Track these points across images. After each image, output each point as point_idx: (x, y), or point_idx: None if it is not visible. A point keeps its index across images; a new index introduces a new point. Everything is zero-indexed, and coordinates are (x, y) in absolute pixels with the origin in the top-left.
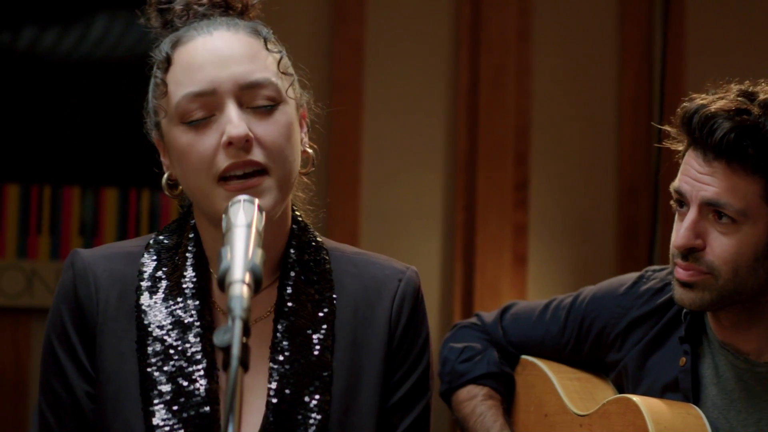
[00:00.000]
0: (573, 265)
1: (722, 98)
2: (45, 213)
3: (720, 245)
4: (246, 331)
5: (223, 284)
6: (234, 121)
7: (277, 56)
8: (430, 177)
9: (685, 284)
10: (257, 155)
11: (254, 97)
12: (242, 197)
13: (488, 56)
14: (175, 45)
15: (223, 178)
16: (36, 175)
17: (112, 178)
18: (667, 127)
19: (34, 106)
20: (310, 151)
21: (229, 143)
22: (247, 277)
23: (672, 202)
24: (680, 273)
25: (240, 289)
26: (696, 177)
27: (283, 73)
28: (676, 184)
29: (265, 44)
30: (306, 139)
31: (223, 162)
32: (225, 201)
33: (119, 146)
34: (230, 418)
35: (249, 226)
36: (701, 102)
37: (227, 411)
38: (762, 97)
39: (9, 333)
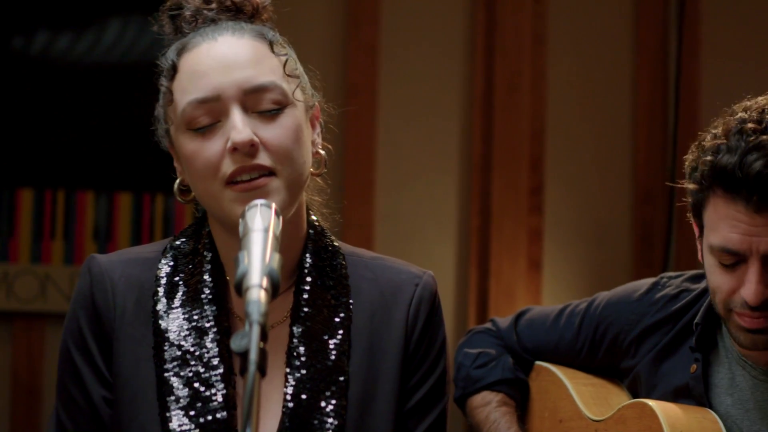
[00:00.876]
0: (588, 269)
1: (747, 142)
2: (59, 218)
3: None
4: (263, 336)
5: (241, 289)
6: (238, 126)
7: (283, 59)
8: (445, 181)
9: (756, 331)
10: (264, 159)
11: (259, 102)
12: (259, 201)
13: (503, 60)
14: (180, 52)
15: (231, 182)
16: (50, 179)
17: (125, 182)
18: (684, 184)
19: (48, 111)
20: (322, 152)
21: (234, 149)
22: (265, 282)
23: (717, 262)
24: (750, 322)
25: (257, 293)
26: (749, 231)
27: (289, 75)
28: (721, 243)
29: (271, 47)
30: (319, 140)
31: (229, 167)
32: (233, 203)
33: (133, 151)
34: (248, 424)
35: (266, 230)
36: (738, 155)
37: (245, 417)
38: None
39: (23, 337)
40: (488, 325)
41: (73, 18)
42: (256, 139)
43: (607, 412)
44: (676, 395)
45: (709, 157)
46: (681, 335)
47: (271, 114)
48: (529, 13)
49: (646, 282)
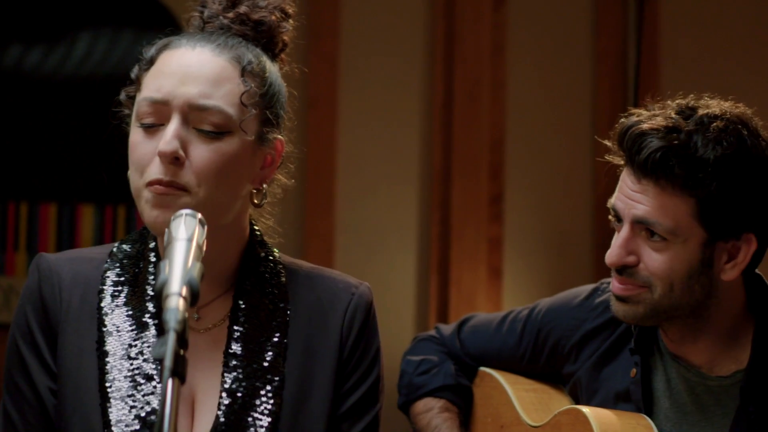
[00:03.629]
0: (549, 277)
1: (657, 115)
2: (22, 230)
3: (653, 261)
4: (183, 343)
5: (161, 296)
6: (167, 137)
7: (246, 88)
8: (405, 191)
9: (620, 298)
10: (185, 176)
11: (201, 121)
12: (185, 211)
13: (463, 70)
14: (161, 49)
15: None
16: (13, 191)
17: (88, 194)
18: (607, 142)
19: (12, 123)
20: (264, 186)
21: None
22: (184, 291)
23: (610, 218)
24: (615, 287)
25: (176, 301)
26: (628, 195)
27: (244, 104)
28: (612, 200)
29: (242, 73)
30: (271, 176)
31: (152, 174)
32: (147, 204)
33: (95, 163)
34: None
35: (189, 239)
36: (635, 119)
37: (158, 425)
38: (700, 113)
39: None
40: (432, 332)
41: (45, 32)
42: (181, 153)
43: (546, 417)
44: (617, 400)
45: (622, 120)
46: (621, 340)
47: (209, 136)
48: (489, 22)
49: (586, 288)
